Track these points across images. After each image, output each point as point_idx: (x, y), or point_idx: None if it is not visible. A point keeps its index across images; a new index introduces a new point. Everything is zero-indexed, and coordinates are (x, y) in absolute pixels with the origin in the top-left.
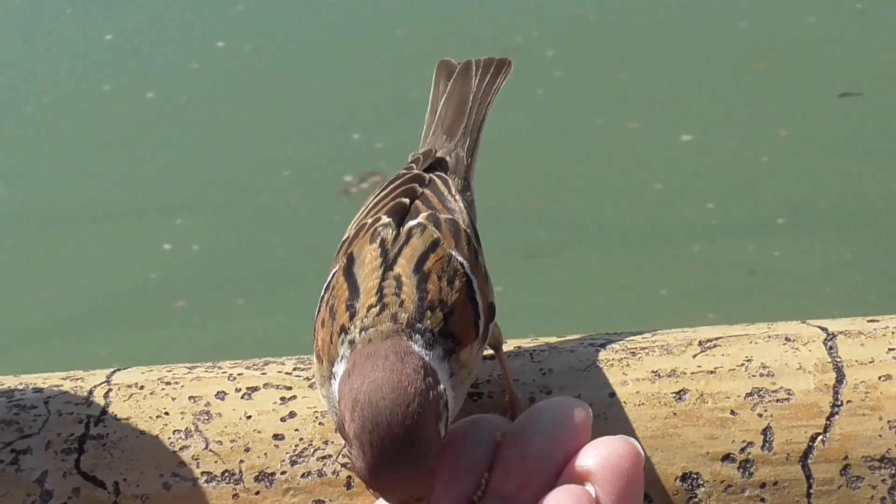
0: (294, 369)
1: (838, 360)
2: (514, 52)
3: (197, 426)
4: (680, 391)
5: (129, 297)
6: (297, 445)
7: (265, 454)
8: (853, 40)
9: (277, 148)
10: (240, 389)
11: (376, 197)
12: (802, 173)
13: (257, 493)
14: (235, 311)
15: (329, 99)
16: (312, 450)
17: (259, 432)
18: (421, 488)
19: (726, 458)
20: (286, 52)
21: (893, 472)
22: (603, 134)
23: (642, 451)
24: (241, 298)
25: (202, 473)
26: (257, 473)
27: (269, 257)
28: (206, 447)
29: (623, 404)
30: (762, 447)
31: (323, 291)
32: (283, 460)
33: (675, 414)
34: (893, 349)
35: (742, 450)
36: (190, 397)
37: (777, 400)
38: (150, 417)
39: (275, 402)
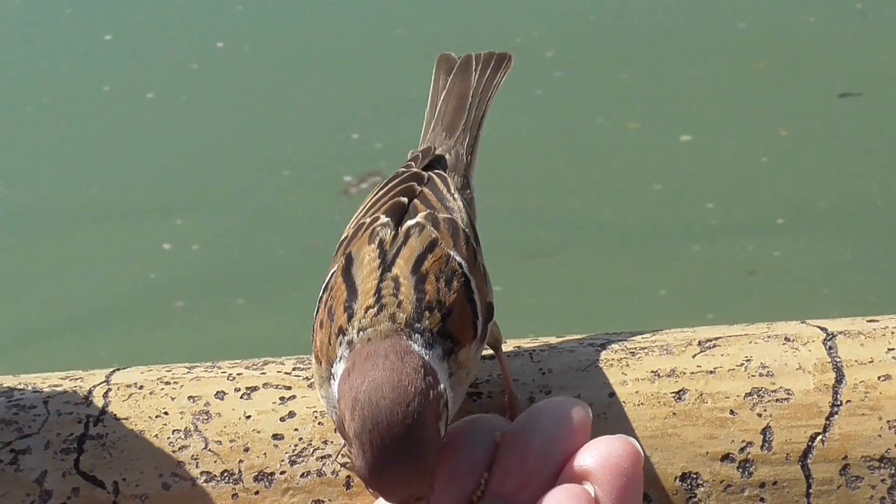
0: (293, 369)
1: (838, 360)
2: (514, 52)
3: (196, 426)
4: (679, 391)
5: (128, 297)
6: (296, 445)
7: (264, 454)
8: (853, 40)
9: (277, 148)
10: (239, 389)
11: (375, 196)
12: (802, 173)
13: (257, 492)
14: (235, 311)
15: (329, 99)
16: (312, 450)
17: (258, 432)
18: (421, 488)
19: (726, 457)
20: (286, 52)
21: (893, 471)
22: (603, 134)
23: (642, 451)
24: (241, 298)
25: (201, 473)
26: (257, 473)
27: (269, 257)
28: (206, 447)
29: (622, 404)
30: (761, 447)
31: (321, 292)
32: (283, 460)
33: (674, 414)
34: (893, 349)
35: (741, 450)
36: (189, 397)
37: (776, 400)
38: (150, 417)
39: (274, 402)
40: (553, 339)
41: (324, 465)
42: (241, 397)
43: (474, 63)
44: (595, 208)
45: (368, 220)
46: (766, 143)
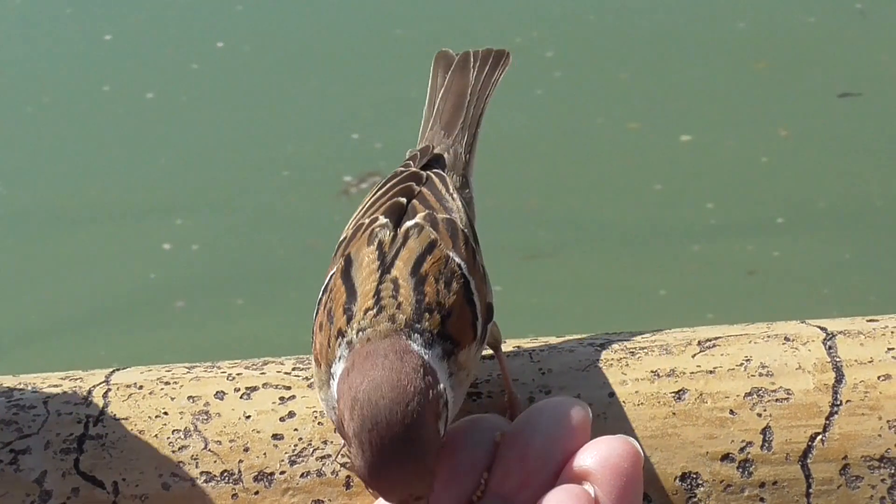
0: (293, 369)
1: (837, 359)
2: (514, 52)
3: (196, 426)
4: (679, 391)
5: (128, 297)
6: (296, 445)
7: (264, 454)
8: (853, 40)
9: (277, 148)
10: (239, 389)
11: (373, 196)
12: (802, 173)
13: (256, 492)
14: (235, 311)
15: (329, 99)
16: (311, 450)
17: (258, 432)
18: (420, 487)
19: (725, 457)
20: (286, 52)
21: (893, 471)
22: (603, 134)
23: (641, 451)
24: (241, 298)
25: (201, 473)
26: (256, 473)
27: (269, 257)
28: (206, 447)
29: (622, 404)
30: (761, 447)
31: (321, 294)
32: (283, 460)
33: (674, 414)
34: (893, 349)
35: (741, 449)
36: (189, 397)
37: (776, 399)
38: (150, 417)
39: (274, 402)
40: (553, 339)
41: (323, 465)
42: (241, 397)
43: (472, 60)
44: (595, 208)
45: (367, 220)
46: (766, 143)
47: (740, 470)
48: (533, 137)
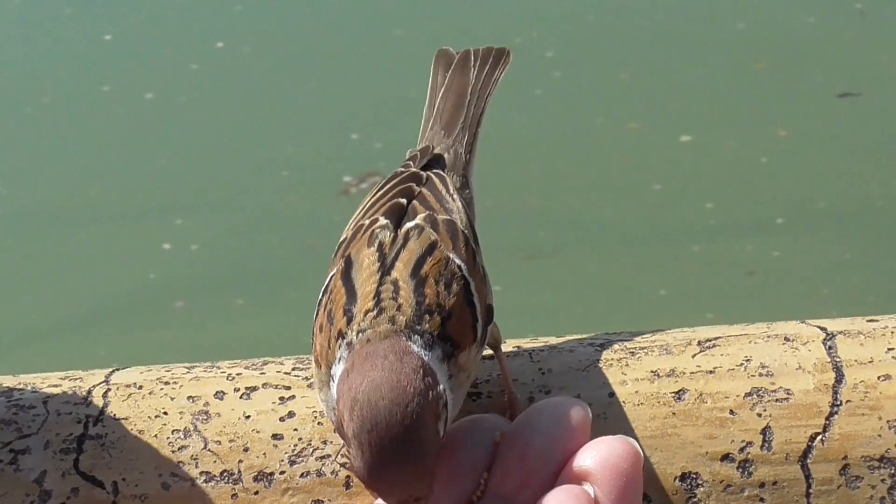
0: (293, 369)
1: (837, 359)
2: (514, 52)
3: (196, 426)
4: (679, 391)
5: (128, 297)
6: (295, 445)
7: (264, 454)
8: (853, 40)
9: (277, 148)
10: (238, 389)
11: (373, 197)
12: (802, 173)
13: (256, 492)
14: (235, 311)
15: (328, 99)
16: (311, 450)
17: (258, 432)
18: (420, 488)
19: (725, 457)
20: (285, 52)
21: (893, 471)
22: (603, 134)
23: (641, 451)
24: (241, 298)
25: (201, 473)
26: (256, 473)
27: (269, 257)
28: (205, 447)
29: (622, 404)
30: (761, 447)
31: (321, 295)
32: (282, 460)
33: (674, 414)
34: (893, 349)
35: (741, 449)
36: (189, 397)
37: (776, 400)
38: (149, 417)
39: (274, 402)
40: (553, 339)
41: (323, 465)
42: (241, 397)
43: (473, 59)
44: (595, 208)
45: (367, 221)
46: (765, 143)
47: (740, 470)
48: (533, 137)
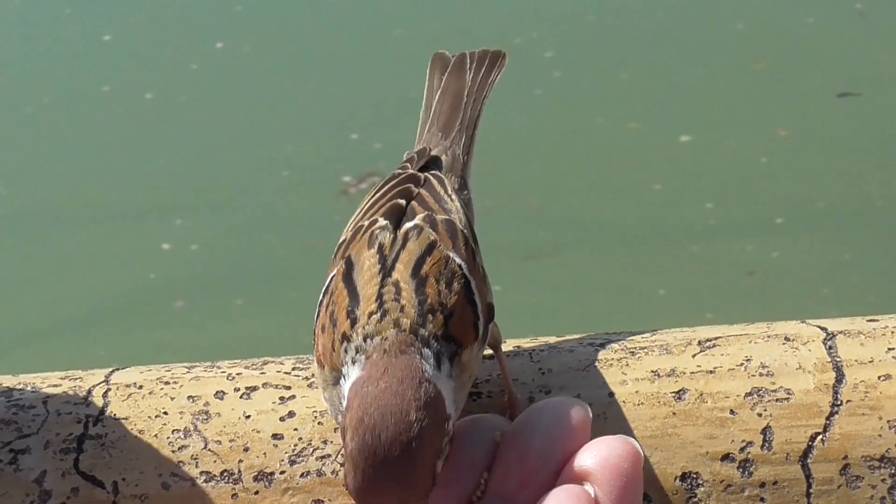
0: (293, 369)
1: (838, 359)
2: (514, 52)
3: (196, 426)
4: (679, 391)
5: (128, 297)
6: (296, 445)
7: (264, 454)
8: (852, 40)
9: (277, 148)
10: (239, 389)
11: (372, 198)
12: (802, 173)
13: (256, 492)
14: (235, 311)
15: (328, 99)
16: (311, 449)
17: (258, 432)
18: None
19: (726, 457)
20: (285, 52)
21: (893, 471)
22: (603, 134)
23: (641, 451)
24: (241, 298)
25: (201, 473)
26: (256, 473)
27: (269, 257)
28: (205, 447)
29: (622, 404)
30: (762, 447)
31: (321, 296)
32: (283, 460)
33: (674, 413)
34: (893, 349)
35: (741, 449)
36: (189, 397)
37: (776, 399)
38: (149, 417)
39: (274, 402)
40: (553, 339)
41: (323, 464)
42: (241, 397)
43: (468, 62)
44: (595, 208)
45: (367, 222)
46: (765, 143)
47: (740, 470)
48: (533, 137)
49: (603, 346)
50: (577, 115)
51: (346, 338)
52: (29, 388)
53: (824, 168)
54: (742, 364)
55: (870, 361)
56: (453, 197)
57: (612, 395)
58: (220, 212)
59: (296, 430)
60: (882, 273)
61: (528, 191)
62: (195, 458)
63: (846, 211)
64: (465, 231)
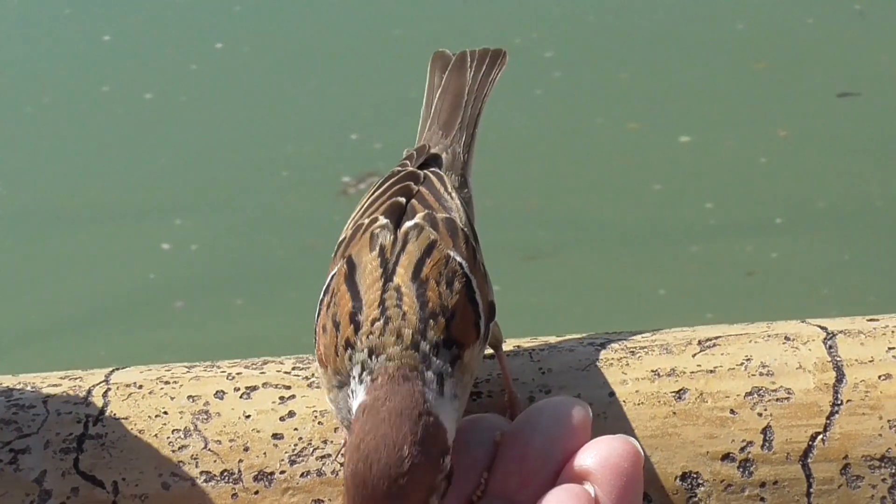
0: (293, 369)
1: (838, 359)
2: (514, 52)
3: (196, 425)
4: (679, 390)
5: (128, 297)
6: (296, 445)
7: (264, 453)
8: (852, 41)
9: (277, 148)
10: (238, 389)
11: (372, 196)
12: (801, 173)
13: (256, 492)
14: (234, 311)
15: (328, 99)
16: (311, 449)
17: (258, 432)
18: None
19: (726, 457)
20: (285, 52)
21: (893, 471)
22: (603, 134)
23: (642, 451)
24: (241, 298)
25: (201, 473)
26: (256, 473)
27: (269, 257)
28: (205, 446)
29: (622, 404)
30: (762, 446)
31: (322, 295)
32: (283, 460)
33: (674, 413)
34: (893, 348)
35: (742, 449)
36: (189, 397)
37: (777, 399)
38: (149, 417)
39: (274, 402)
40: (553, 339)
41: (323, 464)
42: (241, 397)
43: (469, 60)
44: (595, 208)
45: (367, 221)
46: (765, 143)
47: (741, 470)
48: (533, 137)
49: (603, 345)
50: (577, 115)
51: (349, 344)
52: (29, 388)
53: (824, 168)
54: (742, 364)
55: (870, 361)
56: (453, 195)
57: (612, 394)
58: (220, 212)
59: (296, 429)
60: (882, 273)
61: (528, 191)
62: (195, 458)
63: (846, 211)
64: (466, 229)
